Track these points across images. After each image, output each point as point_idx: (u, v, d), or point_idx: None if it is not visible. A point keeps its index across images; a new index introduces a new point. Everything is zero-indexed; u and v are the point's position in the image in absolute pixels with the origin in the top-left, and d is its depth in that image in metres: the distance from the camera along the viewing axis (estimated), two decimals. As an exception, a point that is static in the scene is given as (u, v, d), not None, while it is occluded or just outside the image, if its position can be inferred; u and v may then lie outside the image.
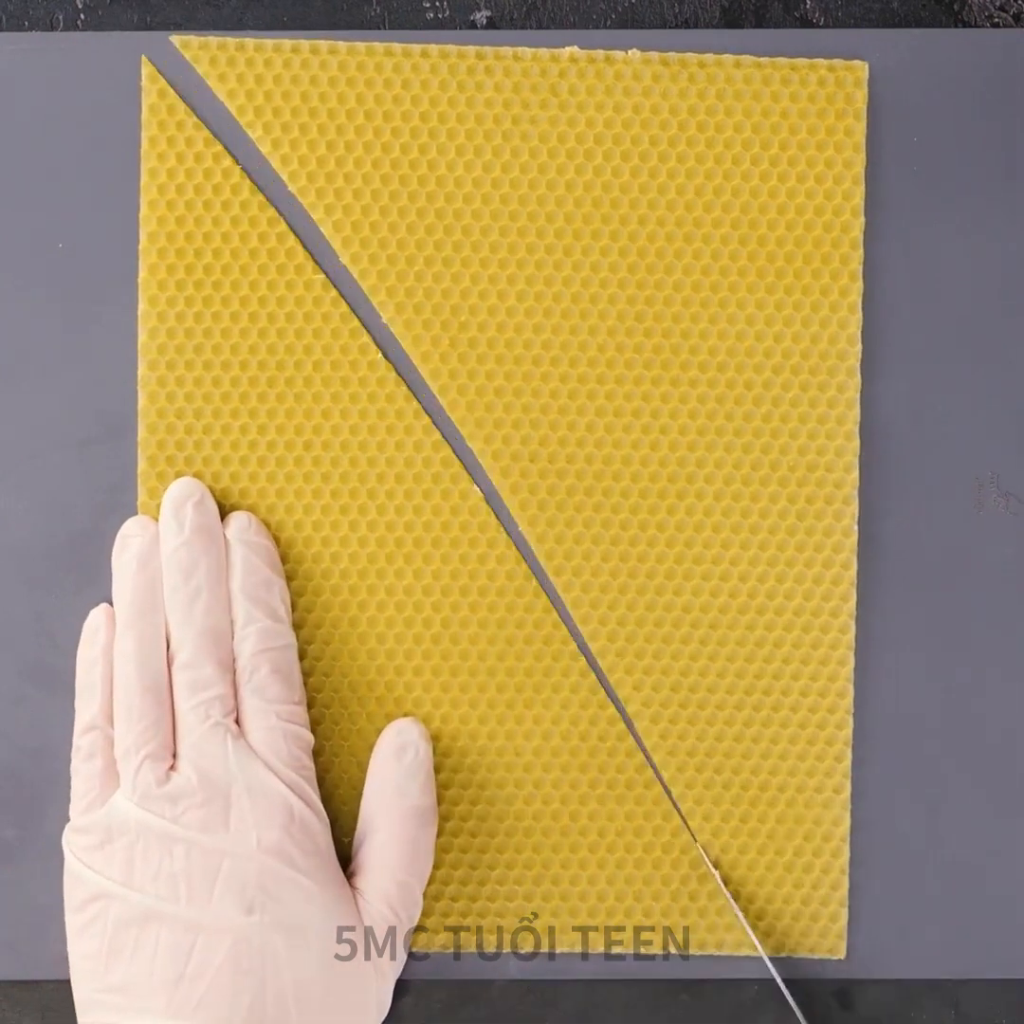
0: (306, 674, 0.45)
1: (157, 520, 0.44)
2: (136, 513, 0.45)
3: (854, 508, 0.45)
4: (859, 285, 0.45)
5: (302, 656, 0.45)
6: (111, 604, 0.44)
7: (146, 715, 0.42)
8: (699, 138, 0.45)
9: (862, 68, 0.45)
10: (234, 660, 0.43)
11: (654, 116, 0.45)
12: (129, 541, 0.44)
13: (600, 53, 0.45)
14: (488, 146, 0.45)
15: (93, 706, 0.43)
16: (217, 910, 0.40)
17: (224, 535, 0.44)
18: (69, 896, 0.42)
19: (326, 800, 0.45)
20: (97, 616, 0.44)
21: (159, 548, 0.43)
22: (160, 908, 0.40)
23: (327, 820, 0.43)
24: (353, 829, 0.44)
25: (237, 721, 0.42)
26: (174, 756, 0.42)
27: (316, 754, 0.45)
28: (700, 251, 0.45)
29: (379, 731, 0.45)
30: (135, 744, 0.41)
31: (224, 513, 0.44)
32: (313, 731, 0.45)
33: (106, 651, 0.43)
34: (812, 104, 0.45)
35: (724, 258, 0.45)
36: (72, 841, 0.42)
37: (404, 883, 0.43)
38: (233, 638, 0.43)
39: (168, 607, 0.43)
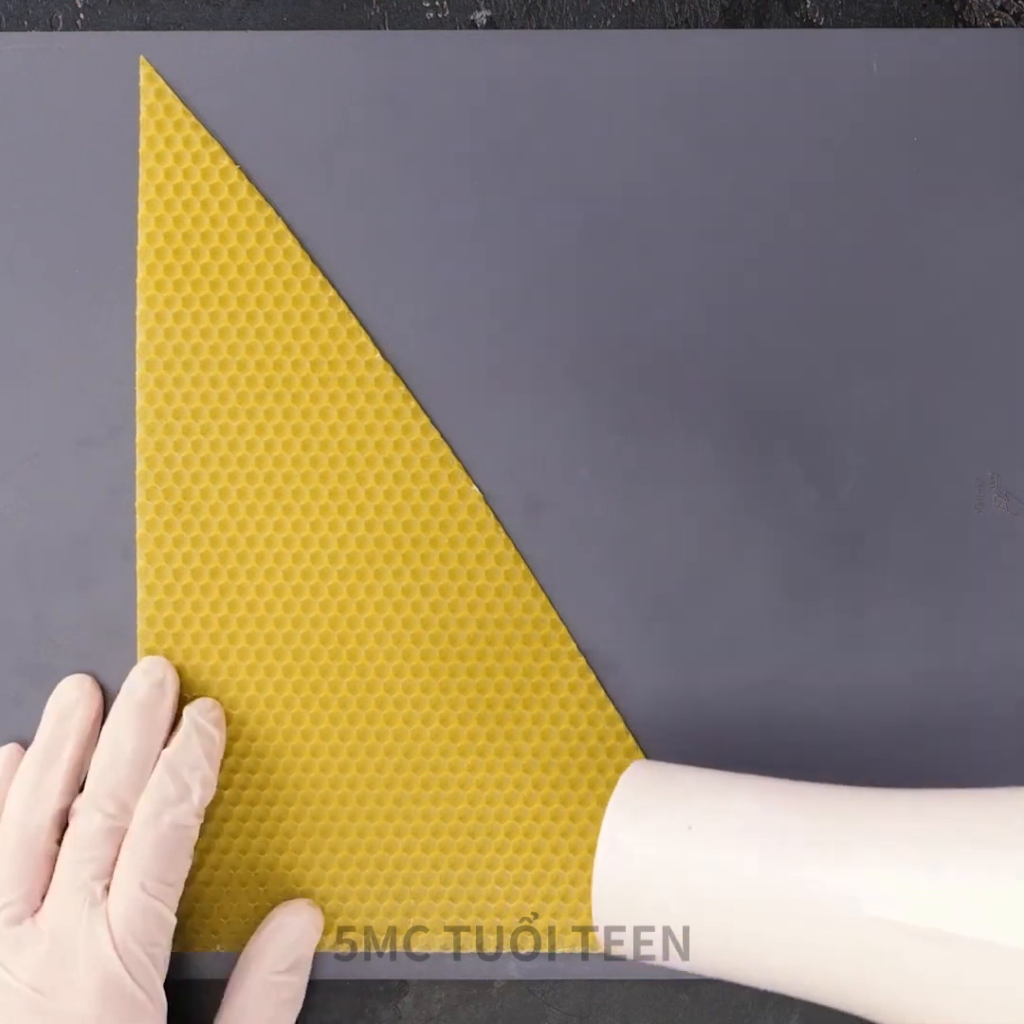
0: (306, 673, 0.45)
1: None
2: (136, 513, 0.45)
3: None
4: None
5: (302, 656, 0.45)
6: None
7: (16, 863, 0.42)
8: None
9: None
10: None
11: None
12: (61, 695, 0.44)
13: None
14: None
15: None
16: None
17: (180, 700, 0.44)
18: None
19: (323, 801, 0.45)
20: (7, 752, 0.44)
21: (88, 709, 0.44)
22: None
23: (163, 1003, 0.42)
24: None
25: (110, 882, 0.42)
26: (43, 898, 0.42)
27: (316, 754, 0.45)
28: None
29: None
30: None
31: (230, 510, 0.44)
32: (314, 731, 0.45)
33: (3, 783, 0.44)
34: None
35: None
36: None
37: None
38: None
39: (100, 746, 0.43)
